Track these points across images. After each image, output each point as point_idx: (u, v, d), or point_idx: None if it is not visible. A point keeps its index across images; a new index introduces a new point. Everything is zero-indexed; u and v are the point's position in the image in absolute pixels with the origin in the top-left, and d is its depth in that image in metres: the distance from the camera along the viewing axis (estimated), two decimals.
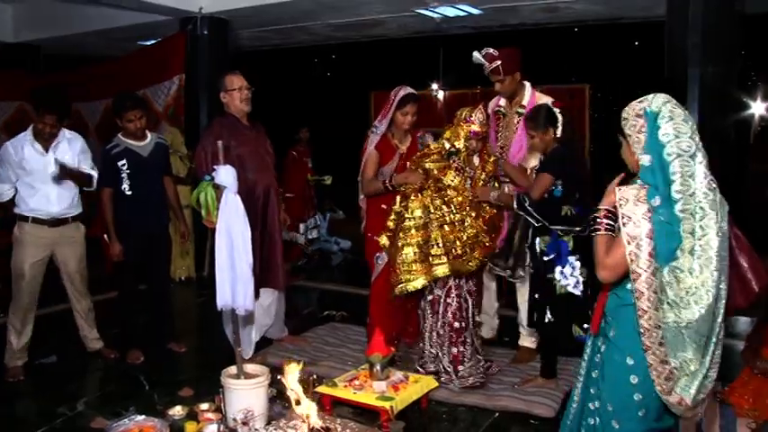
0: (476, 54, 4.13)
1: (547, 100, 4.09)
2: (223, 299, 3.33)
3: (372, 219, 4.34)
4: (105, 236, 4.40)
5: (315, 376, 3.85)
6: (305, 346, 4.68)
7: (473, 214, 3.87)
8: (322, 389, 3.54)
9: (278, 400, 3.49)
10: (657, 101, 2.09)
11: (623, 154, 2.26)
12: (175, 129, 6.82)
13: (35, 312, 4.32)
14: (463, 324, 3.93)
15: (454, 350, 3.92)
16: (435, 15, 7.05)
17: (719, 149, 4.92)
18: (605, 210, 2.26)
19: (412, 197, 3.89)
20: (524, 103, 4.22)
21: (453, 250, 3.79)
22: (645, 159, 2.07)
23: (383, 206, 4.25)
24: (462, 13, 6.99)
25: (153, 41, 7.74)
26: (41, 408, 3.74)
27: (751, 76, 7.61)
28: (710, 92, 4.74)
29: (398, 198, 3.97)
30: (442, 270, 3.80)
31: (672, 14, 4.93)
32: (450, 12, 6.93)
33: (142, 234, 4.39)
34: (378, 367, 3.54)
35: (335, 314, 5.60)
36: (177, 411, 3.49)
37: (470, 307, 3.98)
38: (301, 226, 7.61)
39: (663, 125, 2.04)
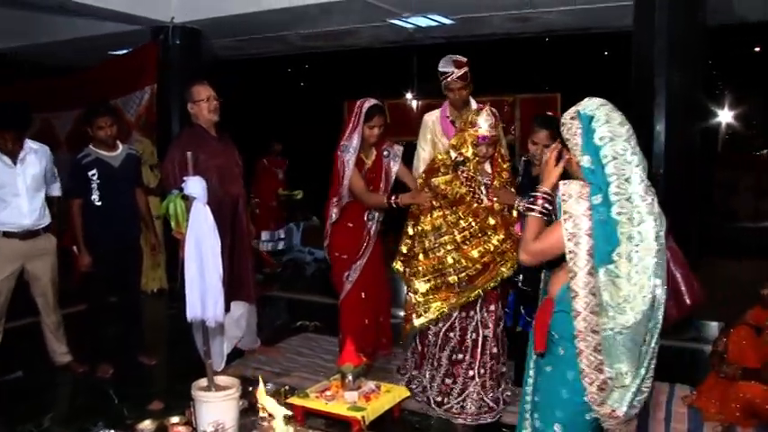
0: (445, 62, 3.99)
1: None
2: (193, 310, 3.26)
3: (338, 237, 4.23)
4: (75, 247, 4.35)
5: (287, 387, 3.84)
6: (277, 357, 4.66)
7: (492, 222, 3.58)
8: (294, 400, 3.53)
9: (249, 412, 3.47)
10: (592, 104, 2.09)
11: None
12: (146, 138, 6.77)
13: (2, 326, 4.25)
14: (465, 357, 3.65)
15: (448, 381, 3.67)
16: (408, 25, 7.11)
17: (686, 156, 5.03)
18: (543, 192, 2.25)
19: (422, 218, 3.69)
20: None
21: (476, 266, 3.52)
22: (584, 160, 2.06)
23: (349, 225, 4.19)
24: (434, 23, 7.05)
25: (124, 51, 7.67)
26: (5, 426, 3.66)
27: (718, 85, 7.77)
28: (677, 100, 4.84)
29: (410, 220, 3.82)
30: (465, 297, 3.57)
31: (639, 24, 5.03)
32: (422, 22, 6.99)
33: (112, 246, 4.35)
34: (349, 377, 3.53)
35: (309, 324, 5.59)
36: (147, 425, 3.43)
37: (482, 337, 3.64)
38: (263, 234, 7.59)
39: (598, 128, 2.03)
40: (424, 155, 4.35)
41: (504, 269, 3.56)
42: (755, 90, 8.10)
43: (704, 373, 3.87)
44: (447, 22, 6.99)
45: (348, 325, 4.24)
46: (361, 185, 4.09)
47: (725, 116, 7.86)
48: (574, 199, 2.05)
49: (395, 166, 4.23)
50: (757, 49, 7.97)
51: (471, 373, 3.63)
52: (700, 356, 4.69)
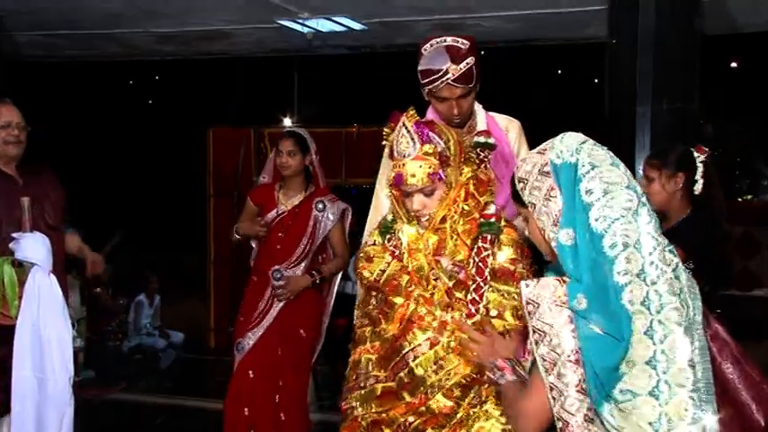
0: (432, 53, 3.06)
1: (513, 123, 3.39)
2: None
3: (245, 294, 4.41)
4: None
5: None
6: None
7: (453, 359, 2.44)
8: None
9: None
10: (569, 145, 1.83)
11: (529, 232, 1.95)
12: None
13: None
14: None
15: None
16: (305, 30, 7.02)
17: None
18: (507, 361, 2.07)
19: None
20: (481, 127, 3.21)
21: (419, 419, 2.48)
22: (563, 236, 1.78)
23: (254, 278, 4.35)
24: (340, 29, 7.01)
25: None
26: None
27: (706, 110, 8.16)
28: (665, 134, 4.91)
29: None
30: None
31: (615, 37, 5.11)
32: (324, 26, 6.92)
33: None
34: None
35: None
36: None
37: None
38: None
39: (585, 179, 1.77)
40: (385, 203, 3.25)
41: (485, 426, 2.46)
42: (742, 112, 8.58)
43: None
44: (356, 27, 6.98)
45: (225, 411, 4.24)
46: (244, 218, 4.47)
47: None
48: (545, 306, 1.76)
49: (327, 225, 4.33)
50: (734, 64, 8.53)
51: None
52: None
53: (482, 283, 2.42)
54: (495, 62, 8.11)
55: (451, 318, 2.43)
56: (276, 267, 4.25)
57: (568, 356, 1.72)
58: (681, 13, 4.93)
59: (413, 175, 2.43)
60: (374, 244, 2.68)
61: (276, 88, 9.70)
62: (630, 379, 1.69)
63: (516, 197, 1.89)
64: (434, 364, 2.40)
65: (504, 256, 2.46)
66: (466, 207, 2.52)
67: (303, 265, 4.28)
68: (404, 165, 2.44)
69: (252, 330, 4.25)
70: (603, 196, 1.74)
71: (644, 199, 1.76)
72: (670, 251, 1.76)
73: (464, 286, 2.44)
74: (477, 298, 2.41)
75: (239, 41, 7.67)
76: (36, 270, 3.16)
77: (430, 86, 3.06)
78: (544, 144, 1.87)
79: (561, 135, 1.85)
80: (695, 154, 3.20)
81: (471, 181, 2.56)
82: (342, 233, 4.40)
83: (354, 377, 2.58)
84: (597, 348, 1.69)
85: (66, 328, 3.18)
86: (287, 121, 10.62)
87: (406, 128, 2.46)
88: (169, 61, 8.72)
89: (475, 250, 2.45)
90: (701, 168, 3.19)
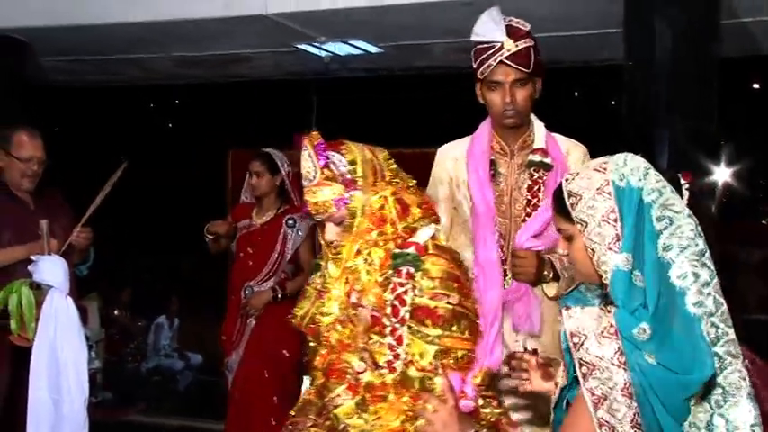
0: (487, 22, 2.77)
1: (577, 147, 3.07)
2: None
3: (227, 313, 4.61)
4: None
5: None
6: None
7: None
8: None
9: None
10: (635, 168, 1.77)
11: (571, 251, 1.87)
12: None
13: None
14: None
15: None
16: (323, 53, 7.07)
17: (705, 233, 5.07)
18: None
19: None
20: (539, 144, 2.94)
21: None
22: (621, 260, 1.71)
23: (232, 297, 4.55)
24: (357, 52, 7.05)
25: None
26: None
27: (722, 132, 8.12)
28: (684, 159, 4.87)
29: None
30: None
31: (632, 60, 5.08)
32: (341, 49, 6.97)
33: None
34: None
35: None
36: None
37: None
38: None
39: (656, 205, 1.74)
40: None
41: None
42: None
43: None
44: (373, 50, 7.01)
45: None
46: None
47: (721, 173, 8.12)
48: (593, 338, 1.69)
49: (297, 241, 4.47)
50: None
51: None
52: None
53: (398, 325, 2.10)
54: None
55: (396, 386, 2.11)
56: (248, 284, 4.43)
57: (621, 390, 1.66)
58: (697, 35, 4.88)
59: (315, 204, 2.18)
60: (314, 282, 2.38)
61: (294, 111, 9.74)
62: (693, 413, 1.67)
63: (561, 211, 1.82)
64: (356, 413, 2.13)
65: (426, 290, 2.11)
66: (381, 237, 2.18)
67: (272, 280, 4.42)
68: (307, 191, 2.20)
69: (234, 350, 4.44)
70: (671, 225, 1.72)
71: (699, 229, 1.73)
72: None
73: (382, 328, 2.13)
74: (395, 342, 2.10)
75: (258, 65, 7.72)
76: (53, 292, 3.18)
77: (483, 67, 2.77)
78: (600, 161, 1.83)
79: (623, 156, 1.81)
80: (681, 181, 3.13)
81: (393, 205, 2.21)
82: (310, 250, 4.47)
83: (293, 415, 2.36)
84: (661, 380, 1.63)
85: (82, 350, 3.19)
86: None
87: (308, 151, 2.18)
88: (189, 85, 8.79)
89: (390, 286, 2.13)
90: (686, 195, 3.10)
